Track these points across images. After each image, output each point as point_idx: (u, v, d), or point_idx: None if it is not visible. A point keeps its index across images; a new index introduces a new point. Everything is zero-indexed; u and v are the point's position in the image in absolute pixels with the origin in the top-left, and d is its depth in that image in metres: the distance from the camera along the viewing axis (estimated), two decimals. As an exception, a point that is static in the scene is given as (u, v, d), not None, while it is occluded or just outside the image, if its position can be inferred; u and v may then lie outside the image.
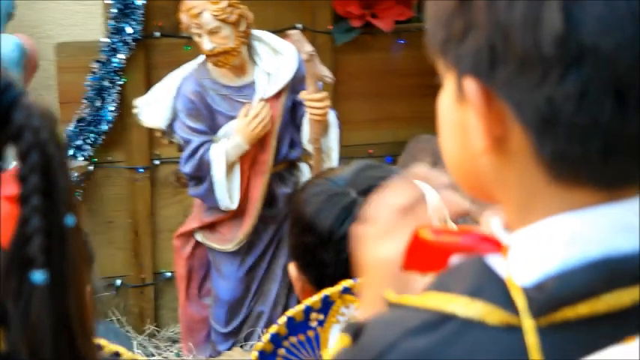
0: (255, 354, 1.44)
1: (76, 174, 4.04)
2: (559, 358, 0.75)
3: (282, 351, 1.44)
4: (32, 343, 0.81)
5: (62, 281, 0.83)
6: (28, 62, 4.04)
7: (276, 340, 1.44)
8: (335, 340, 1.40)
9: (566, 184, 0.77)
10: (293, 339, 1.44)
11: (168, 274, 4.38)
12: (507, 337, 0.76)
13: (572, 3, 0.73)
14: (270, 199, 3.81)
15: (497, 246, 0.81)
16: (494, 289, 0.78)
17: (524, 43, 0.74)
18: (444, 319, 0.78)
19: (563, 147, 0.75)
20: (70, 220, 0.84)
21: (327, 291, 1.41)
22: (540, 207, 0.78)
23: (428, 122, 4.47)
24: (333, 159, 3.69)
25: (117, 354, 1.36)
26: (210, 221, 3.84)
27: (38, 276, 0.81)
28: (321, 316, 1.42)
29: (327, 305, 1.42)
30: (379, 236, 0.94)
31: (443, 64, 0.82)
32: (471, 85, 0.78)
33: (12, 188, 0.82)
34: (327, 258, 1.47)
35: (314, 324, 1.43)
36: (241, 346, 3.90)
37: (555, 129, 0.75)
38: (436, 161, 4.19)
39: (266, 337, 1.44)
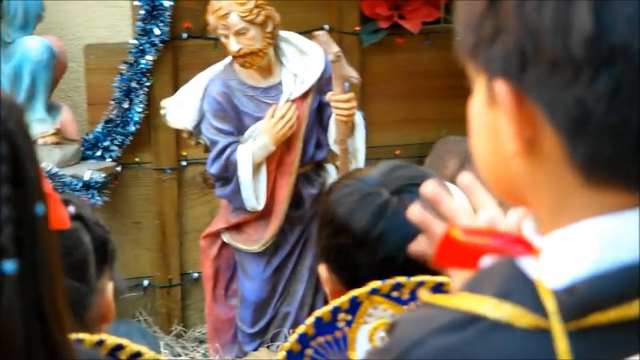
0: (282, 354, 1.44)
1: (103, 175, 4.06)
2: None
3: (309, 351, 1.44)
4: (3, 333, 0.81)
5: (34, 270, 0.82)
6: (56, 64, 4.07)
7: (304, 340, 1.43)
8: (362, 341, 1.40)
9: (599, 187, 0.77)
10: (321, 339, 1.43)
11: (195, 274, 4.39)
12: (535, 340, 0.76)
13: (602, 4, 0.73)
14: (296, 200, 3.81)
15: (528, 249, 0.80)
16: (524, 291, 0.77)
17: (554, 45, 0.74)
18: (473, 319, 0.78)
19: (595, 148, 0.75)
20: (40, 209, 0.84)
21: (356, 292, 1.41)
22: (572, 210, 0.78)
23: (455, 123, 4.50)
24: (359, 160, 3.68)
25: (139, 354, 1.36)
26: (236, 222, 3.85)
27: (9, 266, 0.81)
28: (349, 317, 1.42)
29: (355, 306, 1.42)
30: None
31: (473, 68, 0.82)
32: (501, 87, 0.77)
33: None
34: (362, 259, 1.46)
35: (342, 324, 1.43)
36: (268, 347, 3.90)
37: (587, 130, 0.74)
38: (463, 163, 4.18)
39: (294, 337, 1.43)
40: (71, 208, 1.41)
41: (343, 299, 1.40)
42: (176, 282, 4.43)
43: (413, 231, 1.06)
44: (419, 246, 1.07)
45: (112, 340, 1.34)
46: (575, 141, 0.75)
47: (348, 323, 1.41)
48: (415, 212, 1.03)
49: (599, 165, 0.76)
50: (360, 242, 1.47)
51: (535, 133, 0.77)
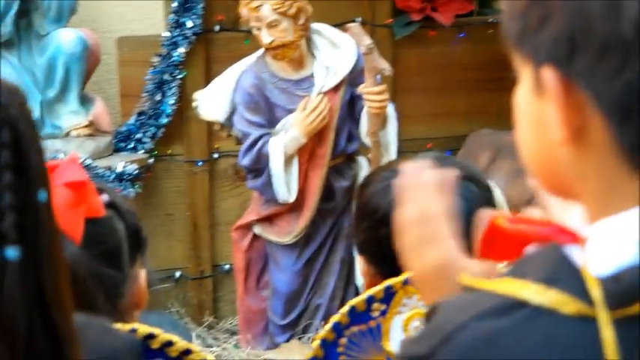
0: (317, 342, 1.44)
1: (136, 167, 4.08)
2: (633, 351, 0.75)
3: (343, 340, 1.44)
4: (5, 319, 0.80)
5: (36, 257, 0.82)
6: (90, 56, 4.09)
7: (338, 329, 1.44)
8: (397, 331, 1.40)
9: None
10: (354, 329, 1.43)
11: (227, 266, 4.40)
12: (580, 327, 0.76)
13: None
14: (328, 193, 3.81)
15: (574, 238, 0.80)
16: (569, 278, 0.77)
17: (603, 29, 0.73)
18: (517, 304, 0.78)
19: None
20: (42, 196, 0.83)
21: (390, 281, 1.41)
22: (620, 199, 0.77)
23: (487, 117, 4.48)
24: (391, 152, 3.68)
25: (170, 343, 1.37)
26: (268, 214, 3.86)
27: (11, 252, 0.81)
28: (384, 306, 1.42)
29: (389, 295, 1.42)
30: (422, 239, 0.94)
31: (519, 58, 0.81)
32: (549, 74, 0.77)
33: None
34: None
35: (376, 314, 1.43)
36: (299, 339, 3.91)
37: (635, 117, 0.74)
38: (495, 156, 4.16)
39: (328, 325, 1.43)
40: (105, 196, 1.42)
41: (377, 289, 1.40)
42: (208, 274, 4.44)
43: None
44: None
45: (144, 329, 1.35)
46: (624, 128, 0.75)
47: (383, 313, 1.41)
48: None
49: None
50: None
51: (583, 121, 0.77)
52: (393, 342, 1.41)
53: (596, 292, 0.75)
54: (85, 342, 0.93)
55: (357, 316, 1.43)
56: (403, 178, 1.01)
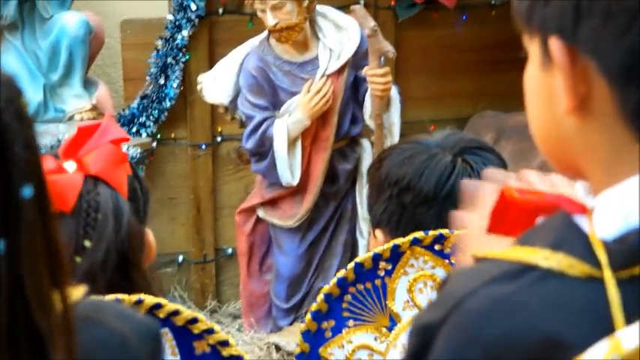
0: (321, 296, 1.45)
1: (139, 150, 4.08)
2: (639, 310, 0.75)
3: (348, 297, 1.45)
4: None
5: (17, 253, 0.80)
6: (93, 39, 4.10)
7: (343, 284, 1.44)
8: (402, 291, 1.40)
9: None
10: (360, 286, 1.44)
11: (230, 250, 4.41)
12: (588, 288, 0.77)
13: None
14: (331, 176, 3.81)
15: (582, 208, 0.82)
16: (576, 242, 0.79)
17: None
18: (526, 269, 0.79)
19: None
20: (27, 192, 0.80)
21: (398, 240, 1.41)
22: (626, 167, 0.79)
23: (490, 99, 4.48)
24: (394, 135, 3.68)
25: (177, 312, 1.37)
26: (271, 197, 3.86)
27: None
28: (390, 266, 1.42)
29: (396, 255, 1.42)
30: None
31: (528, 35, 0.84)
32: (555, 44, 0.79)
33: None
34: (429, 218, 1.51)
35: (382, 273, 1.43)
36: (302, 322, 3.91)
37: (638, 80, 0.75)
38: (499, 137, 4.16)
39: (333, 280, 1.44)
40: None
41: (385, 247, 1.41)
42: (210, 258, 4.45)
43: None
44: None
45: (150, 299, 1.35)
46: (627, 91, 0.76)
47: (389, 272, 1.42)
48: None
49: None
50: (429, 200, 1.53)
51: (588, 89, 0.78)
52: (398, 302, 1.42)
53: (602, 254, 0.77)
54: (96, 329, 0.94)
55: (364, 273, 1.44)
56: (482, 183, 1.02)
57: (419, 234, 1.41)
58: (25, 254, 0.81)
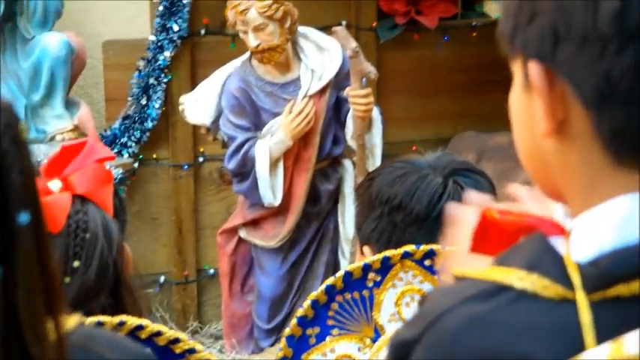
0: (308, 302, 1.44)
1: (121, 171, 4.08)
2: (610, 333, 0.76)
3: (335, 305, 1.44)
4: None
5: (12, 280, 0.80)
6: (75, 60, 4.09)
7: (331, 292, 1.44)
8: (388, 304, 1.41)
9: (628, 167, 0.79)
10: (347, 295, 1.44)
11: (212, 270, 4.40)
12: (561, 309, 0.78)
13: None
14: (313, 196, 3.82)
15: (560, 230, 0.83)
16: (551, 264, 0.80)
17: (584, 22, 0.77)
18: (502, 289, 0.80)
19: (621, 124, 0.77)
20: (23, 218, 0.80)
21: (388, 252, 1.42)
22: (602, 190, 0.80)
23: (472, 120, 4.50)
24: (376, 156, 3.69)
25: (159, 333, 1.37)
26: (253, 218, 3.86)
27: None
28: (379, 278, 1.43)
29: (386, 267, 1.43)
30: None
31: (512, 56, 0.85)
32: (534, 67, 0.81)
33: None
34: (419, 237, 1.51)
35: (370, 284, 1.44)
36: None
37: (613, 104, 0.77)
38: (480, 158, 4.17)
39: (321, 287, 1.44)
40: None
41: (375, 258, 1.42)
42: (192, 278, 4.44)
43: None
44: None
45: (132, 321, 1.35)
46: (602, 116, 0.78)
47: (377, 284, 1.42)
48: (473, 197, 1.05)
49: (625, 142, 0.78)
50: (418, 221, 1.53)
51: (566, 113, 0.80)
52: (384, 315, 1.43)
53: (575, 276, 0.78)
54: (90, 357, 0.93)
55: (352, 282, 1.44)
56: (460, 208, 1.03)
57: (410, 247, 1.42)
58: (21, 281, 0.80)
